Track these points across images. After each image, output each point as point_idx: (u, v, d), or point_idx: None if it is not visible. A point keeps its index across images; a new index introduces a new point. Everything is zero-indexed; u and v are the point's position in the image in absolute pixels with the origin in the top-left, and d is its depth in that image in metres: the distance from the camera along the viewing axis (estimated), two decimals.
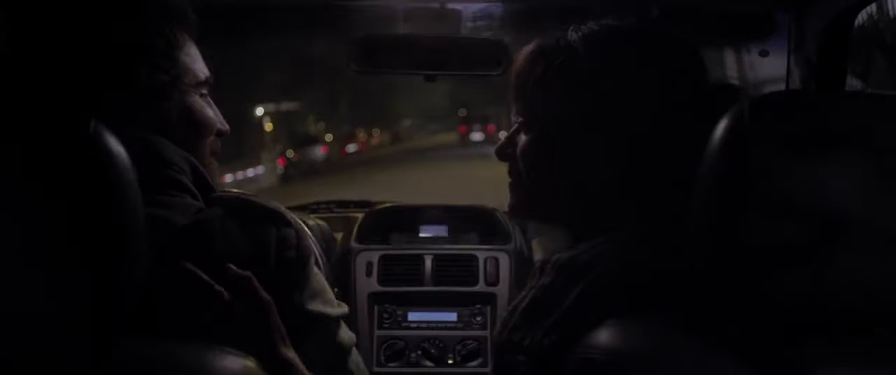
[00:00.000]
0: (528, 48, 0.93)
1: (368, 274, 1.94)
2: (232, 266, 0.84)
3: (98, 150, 0.63)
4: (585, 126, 0.85)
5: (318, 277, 0.95)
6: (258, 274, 0.85)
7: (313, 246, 0.97)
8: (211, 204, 0.90)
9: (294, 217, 0.94)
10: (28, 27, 0.85)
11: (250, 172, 17.67)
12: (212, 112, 0.99)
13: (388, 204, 2.21)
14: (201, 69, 0.97)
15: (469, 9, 1.48)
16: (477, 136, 28.88)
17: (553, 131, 0.88)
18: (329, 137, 25.59)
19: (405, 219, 2.11)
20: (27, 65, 0.85)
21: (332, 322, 0.95)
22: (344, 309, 0.98)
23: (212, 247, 0.84)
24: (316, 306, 0.92)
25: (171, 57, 0.91)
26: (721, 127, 0.67)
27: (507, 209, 1.00)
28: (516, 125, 0.94)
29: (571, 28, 0.90)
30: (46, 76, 0.85)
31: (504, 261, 1.95)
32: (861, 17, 1.46)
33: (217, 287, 0.83)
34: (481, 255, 1.96)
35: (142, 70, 0.88)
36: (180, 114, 0.93)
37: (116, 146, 0.65)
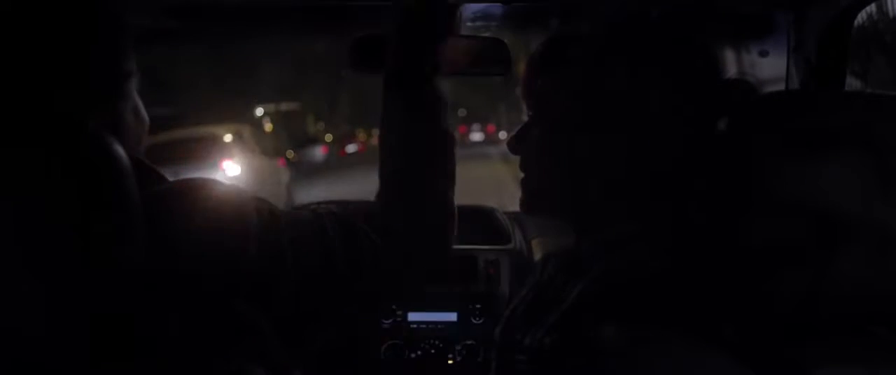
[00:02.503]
0: (539, 44, 0.93)
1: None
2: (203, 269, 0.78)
3: (98, 151, 0.63)
4: (593, 122, 0.86)
5: (309, 268, 0.87)
6: (231, 271, 0.79)
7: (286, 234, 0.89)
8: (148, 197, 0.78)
9: (268, 203, 0.87)
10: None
11: None
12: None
13: None
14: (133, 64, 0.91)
15: (469, 9, 1.47)
16: (476, 136, 28.89)
17: (561, 127, 0.88)
18: (329, 137, 25.56)
19: None
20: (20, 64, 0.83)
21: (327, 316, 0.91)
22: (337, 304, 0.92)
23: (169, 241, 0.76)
24: (308, 302, 0.87)
25: (129, 53, 0.86)
26: (721, 126, 0.67)
27: (507, 207, 1.00)
28: (527, 120, 0.94)
29: (581, 24, 0.90)
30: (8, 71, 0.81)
31: (504, 261, 1.95)
32: (861, 17, 1.46)
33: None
34: (481, 255, 1.96)
35: (107, 68, 0.84)
36: (132, 111, 0.89)
37: (116, 147, 0.65)
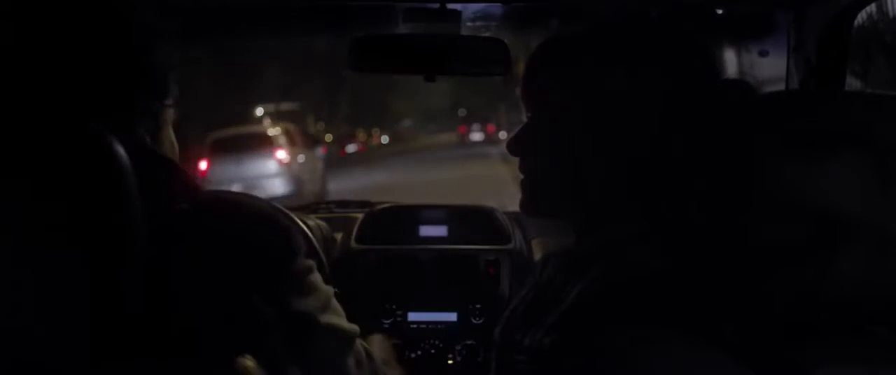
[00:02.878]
0: (538, 45, 0.93)
1: (368, 274, 1.94)
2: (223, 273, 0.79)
3: (99, 151, 0.63)
4: (591, 123, 0.86)
5: (328, 289, 0.90)
6: (256, 281, 0.80)
7: (318, 251, 0.94)
8: (198, 202, 0.84)
9: (296, 218, 0.91)
10: (49, 33, 0.82)
11: None
12: None
13: (387, 205, 2.21)
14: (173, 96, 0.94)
15: (469, 9, 1.48)
16: (477, 136, 28.94)
17: (561, 127, 0.88)
18: (329, 138, 25.59)
19: (405, 220, 2.11)
20: (34, 67, 0.83)
21: (347, 338, 0.90)
22: (355, 328, 0.92)
23: (192, 252, 0.79)
24: (328, 318, 0.87)
25: (171, 85, 0.89)
26: (721, 126, 0.67)
27: (507, 207, 0.99)
28: (527, 121, 0.94)
29: (580, 25, 0.90)
30: (56, 81, 0.82)
31: (504, 261, 1.95)
32: (861, 17, 1.46)
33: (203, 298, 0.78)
34: (481, 255, 1.96)
35: (152, 95, 0.85)
36: (169, 140, 0.91)
37: (117, 147, 0.65)
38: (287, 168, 11.04)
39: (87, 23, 0.79)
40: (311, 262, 0.88)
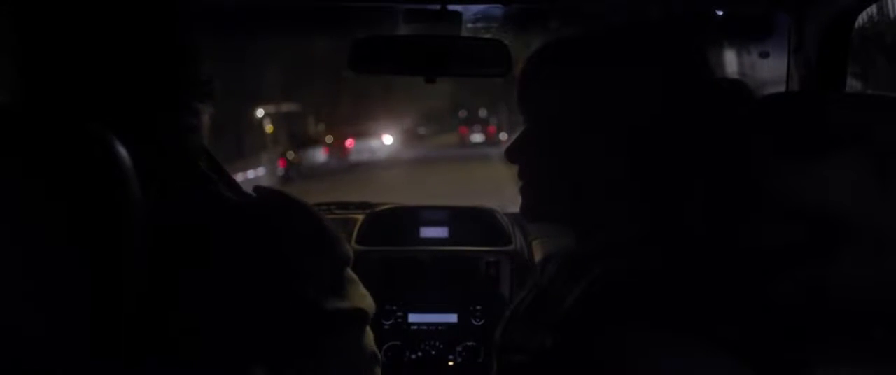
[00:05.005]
0: (534, 49, 0.93)
1: (369, 275, 1.94)
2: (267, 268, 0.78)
3: (100, 151, 0.63)
4: (590, 126, 0.86)
5: (356, 282, 0.89)
6: (289, 272, 0.79)
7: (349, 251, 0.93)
8: (247, 196, 0.83)
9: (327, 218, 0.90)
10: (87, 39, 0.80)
11: (251, 173, 17.73)
12: None
13: (388, 206, 2.21)
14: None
15: (470, 10, 1.48)
16: (477, 137, 28.97)
17: (558, 131, 0.88)
18: (330, 139, 25.67)
19: (406, 221, 2.11)
20: (47, 69, 0.82)
21: (370, 359, 0.89)
22: (378, 354, 0.92)
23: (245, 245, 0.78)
24: (356, 334, 0.86)
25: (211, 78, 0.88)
26: (721, 127, 0.67)
27: (512, 208, 0.99)
28: (524, 127, 0.94)
29: (576, 28, 0.90)
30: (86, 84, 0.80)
31: (504, 262, 1.95)
32: (861, 18, 1.46)
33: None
34: (482, 257, 1.96)
35: (205, 84, 0.85)
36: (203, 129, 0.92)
37: (119, 147, 0.65)
38: (387, 144, 23.18)
39: (132, 24, 0.78)
40: (355, 276, 0.87)
